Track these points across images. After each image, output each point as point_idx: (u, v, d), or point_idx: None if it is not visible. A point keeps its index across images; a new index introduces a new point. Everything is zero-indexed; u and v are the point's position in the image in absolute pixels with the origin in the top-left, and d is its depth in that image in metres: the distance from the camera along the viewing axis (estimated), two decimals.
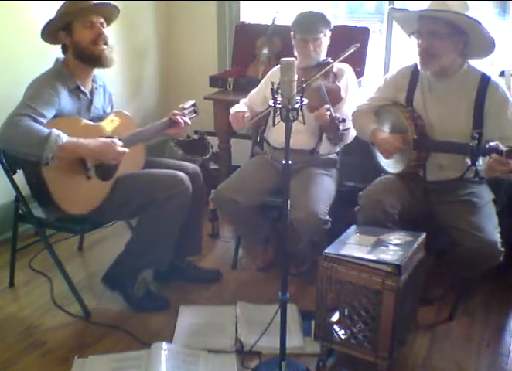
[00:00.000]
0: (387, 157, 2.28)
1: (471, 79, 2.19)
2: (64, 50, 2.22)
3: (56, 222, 2.28)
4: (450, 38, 2.09)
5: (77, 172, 2.11)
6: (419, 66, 2.19)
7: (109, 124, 2.25)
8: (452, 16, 2.04)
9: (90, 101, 2.27)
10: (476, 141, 2.04)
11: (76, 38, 2.15)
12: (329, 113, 2.21)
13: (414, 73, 2.30)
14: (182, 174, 2.29)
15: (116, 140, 2.14)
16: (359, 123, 2.42)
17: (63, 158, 2.01)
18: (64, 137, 1.97)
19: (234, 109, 2.57)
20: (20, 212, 2.39)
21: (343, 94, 2.40)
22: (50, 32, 2.18)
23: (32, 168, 2.02)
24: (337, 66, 2.51)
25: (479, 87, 2.16)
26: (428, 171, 2.29)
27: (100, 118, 2.28)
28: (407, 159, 2.25)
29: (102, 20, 2.19)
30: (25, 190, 2.30)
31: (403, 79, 2.32)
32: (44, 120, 2.00)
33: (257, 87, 2.71)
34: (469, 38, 2.11)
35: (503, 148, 1.91)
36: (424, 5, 2.17)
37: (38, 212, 2.30)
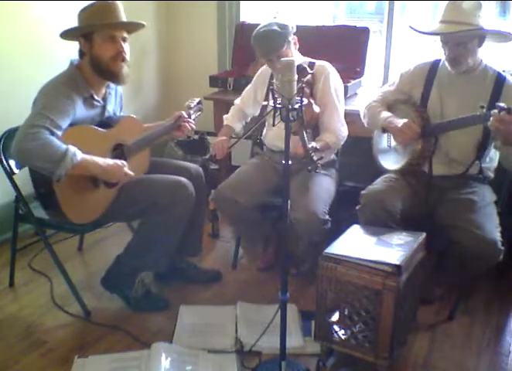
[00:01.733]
0: (403, 142, 2.27)
1: (488, 77, 2.23)
2: (81, 54, 2.16)
3: (56, 222, 2.28)
4: (474, 41, 2.14)
5: (86, 182, 2.09)
6: (450, 68, 2.22)
7: (117, 130, 2.23)
8: (479, 33, 2.10)
9: (104, 107, 2.25)
10: (484, 110, 2.05)
11: (95, 49, 2.09)
12: (300, 144, 2.16)
13: (431, 69, 2.33)
14: (185, 180, 2.28)
15: (125, 162, 2.13)
16: (371, 112, 2.43)
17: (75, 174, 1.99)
18: (79, 156, 1.94)
19: (219, 134, 2.59)
20: (20, 212, 2.39)
21: (316, 110, 2.38)
22: (70, 36, 2.13)
23: (42, 177, 1.98)
24: (317, 63, 2.48)
25: (494, 85, 2.21)
26: (434, 166, 2.30)
27: (109, 120, 2.27)
28: (411, 150, 2.26)
29: (125, 34, 2.13)
30: (25, 190, 2.31)
31: (419, 75, 2.35)
32: (60, 132, 1.96)
33: (248, 87, 2.71)
34: (486, 34, 2.16)
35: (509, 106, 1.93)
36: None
37: (38, 212, 2.30)
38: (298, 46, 2.50)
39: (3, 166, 2.26)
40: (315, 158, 2.10)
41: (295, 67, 1.62)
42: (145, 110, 3.76)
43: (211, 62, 3.74)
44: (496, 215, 2.21)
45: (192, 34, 3.79)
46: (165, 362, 1.98)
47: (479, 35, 2.14)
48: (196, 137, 3.67)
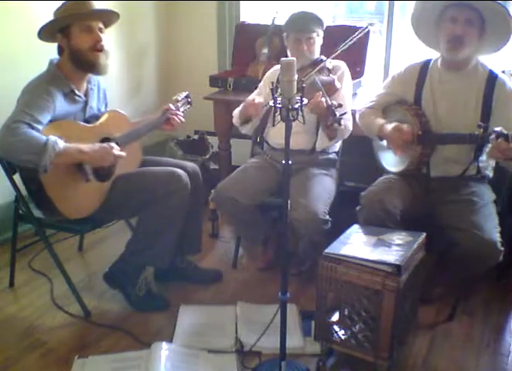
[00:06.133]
0: (395, 149, 2.26)
1: (480, 75, 2.23)
2: (60, 51, 2.20)
3: (56, 222, 2.28)
4: (478, 28, 2.15)
5: (76, 176, 2.10)
6: (447, 53, 2.20)
7: (104, 124, 2.25)
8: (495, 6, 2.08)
9: (86, 103, 2.26)
10: (482, 130, 2.05)
11: (72, 42, 2.13)
12: (324, 99, 2.20)
13: (423, 69, 2.33)
14: (180, 171, 2.29)
15: (112, 144, 2.14)
16: (366, 120, 2.43)
17: (60, 164, 2.01)
18: (61, 144, 1.96)
19: (236, 110, 2.57)
20: (20, 212, 2.39)
21: (337, 85, 2.41)
22: (47, 33, 2.16)
23: (31, 175, 2.01)
24: (332, 63, 2.52)
25: (487, 83, 2.21)
26: (432, 167, 2.30)
27: (95, 117, 2.28)
28: (411, 156, 2.26)
29: (101, 25, 2.17)
30: (25, 190, 2.31)
31: (411, 75, 2.35)
32: (41, 127, 1.99)
33: (256, 91, 2.71)
34: (485, 31, 2.16)
35: (507, 132, 1.93)
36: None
37: (38, 212, 2.29)
38: (322, 43, 2.55)
39: (3, 166, 2.26)
40: (337, 113, 2.13)
41: (295, 67, 1.62)
42: (144, 109, 3.76)
43: (211, 62, 3.74)
44: (495, 214, 2.20)
45: (192, 34, 3.79)
46: (165, 362, 1.98)
47: (482, 25, 2.13)
48: (196, 137, 3.67)
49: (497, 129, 1.97)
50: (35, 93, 2.05)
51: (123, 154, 2.16)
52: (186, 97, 2.55)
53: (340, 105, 2.21)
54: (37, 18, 2.85)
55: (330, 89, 2.38)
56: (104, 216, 2.29)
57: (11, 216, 2.43)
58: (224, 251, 2.94)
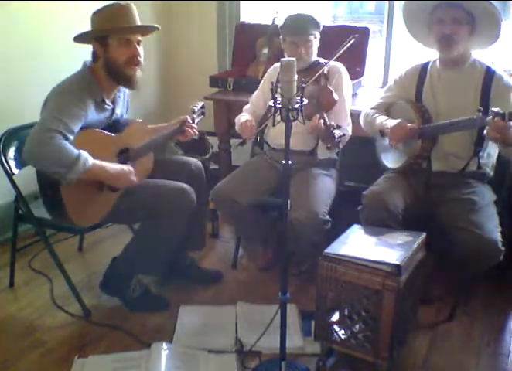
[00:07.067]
0: (394, 143, 2.29)
1: (477, 71, 2.26)
2: (94, 57, 2.15)
3: (56, 222, 2.28)
4: (468, 25, 2.17)
5: (91, 185, 2.10)
6: (440, 52, 2.25)
7: (125, 135, 2.24)
8: (484, 4, 2.10)
9: (113, 110, 2.25)
10: (481, 114, 2.06)
11: (110, 53, 2.08)
12: (322, 121, 2.20)
13: (423, 69, 2.38)
14: (187, 187, 2.29)
15: (131, 168, 2.14)
16: (368, 120, 2.46)
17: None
18: (91, 161, 1.96)
19: (239, 119, 2.57)
20: (20, 212, 2.39)
21: (335, 97, 2.40)
22: (83, 38, 2.12)
23: (49, 180, 1.98)
24: (331, 63, 2.50)
25: (484, 78, 2.24)
26: (433, 161, 2.31)
27: (117, 122, 2.28)
28: (411, 150, 2.28)
29: (139, 38, 2.13)
30: (25, 190, 2.31)
31: (412, 77, 2.39)
32: (72, 137, 1.97)
33: (257, 90, 2.71)
34: (475, 27, 2.19)
35: (503, 111, 1.94)
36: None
37: (38, 212, 2.30)
38: (319, 45, 2.54)
39: (3, 166, 2.26)
40: (336, 134, 2.12)
41: (295, 67, 1.61)
42: (144, 110, 3.76)
43: (211, 62, 3.73)
44: (496, 215, 2.21)
45: (192, 34, 3.79)
46: (165, 362, 1.98)
47: (471, 21, 2.16)
48: (196, 137, 3.67)
49: (494, 109, 1.98)
50: (70, 100, 2.01)
51: (136, 181, 2.16)
52: (202, 107, 2.55)
53: (339, 126, 2.21)
54: (39, 19, 2.87)
55: (329, 103, 2.38)
56: (107, 220, 2.29)
57: (12, 216, 2.43)
58: (224, 251, 2.94)
